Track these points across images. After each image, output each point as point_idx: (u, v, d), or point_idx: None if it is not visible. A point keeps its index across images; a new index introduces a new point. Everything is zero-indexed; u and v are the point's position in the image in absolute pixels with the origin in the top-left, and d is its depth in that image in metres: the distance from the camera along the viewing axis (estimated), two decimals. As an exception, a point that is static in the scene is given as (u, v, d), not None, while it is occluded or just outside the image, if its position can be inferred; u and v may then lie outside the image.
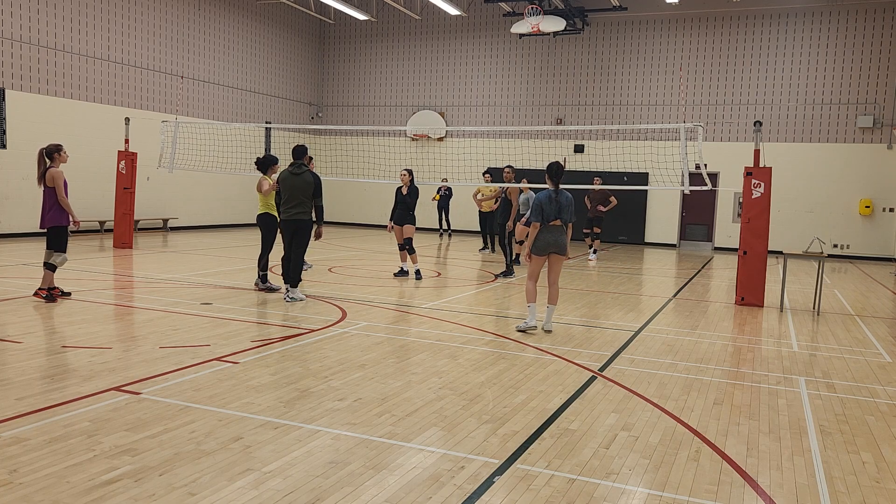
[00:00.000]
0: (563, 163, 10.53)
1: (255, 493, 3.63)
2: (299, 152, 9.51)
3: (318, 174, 9.74)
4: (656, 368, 6.63)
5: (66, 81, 17.44)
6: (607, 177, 20.59)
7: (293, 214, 9.33)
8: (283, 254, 9.67)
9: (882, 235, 20.30)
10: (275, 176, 10.10)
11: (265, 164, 10.33)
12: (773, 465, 4.33)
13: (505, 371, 6.27)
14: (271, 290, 10.03)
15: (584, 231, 16.78)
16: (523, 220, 14.16)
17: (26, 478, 3.70)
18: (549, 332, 8.10)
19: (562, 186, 8.10)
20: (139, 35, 19.35)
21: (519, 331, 8.06)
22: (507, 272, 12.86)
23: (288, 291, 9.40)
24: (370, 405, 5.15)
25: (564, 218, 8.03)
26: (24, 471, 3.78)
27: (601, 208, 16.39)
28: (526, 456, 4.29)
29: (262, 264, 10.20)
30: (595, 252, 16.90)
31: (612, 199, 16.46)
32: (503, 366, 6.46)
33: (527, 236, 8.11)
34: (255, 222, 10.94)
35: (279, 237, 9.94)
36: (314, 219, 9.56)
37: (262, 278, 10.16)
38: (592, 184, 16.26)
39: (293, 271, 9.40)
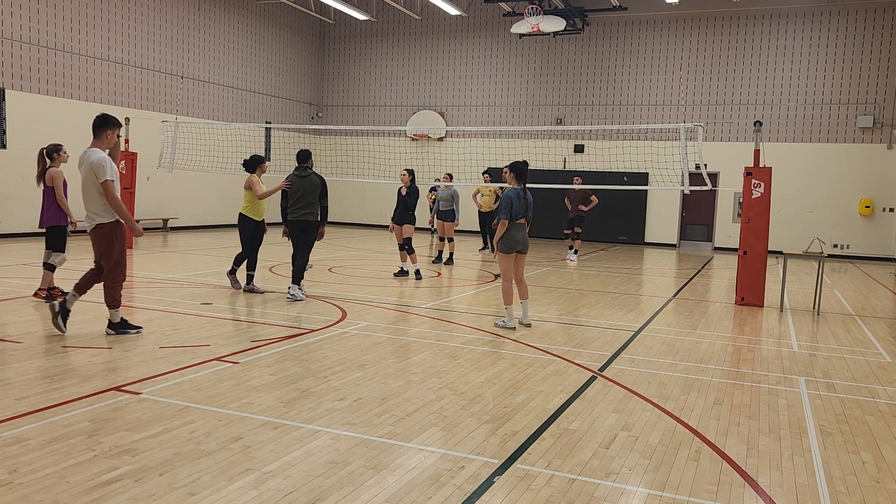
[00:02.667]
0: (563, 163, 10.61)
1: (255, 493, 3.63)
2: (304, 156, 9.70)
3: (322, 176, 9.84)
4: (656, 368, 6.63)
5: (66, 81, 17.44)
6: (607, 177, 20.65)
7: (301, 215, 9.52)
8: (292, 252, 9.75)
9: (882, 235, 20.30)
10: (269, 176, 10.17)
11: (253, 163, 10.13)
12: (773, 465, 4.33)
13: (505, 371, 6.27)
14: (255, 291, 9.92)
15: (566, 232, 16.56)
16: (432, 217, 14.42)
17: (26, 478, 3.70)
18: (528, 325, 8.29)
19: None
20: (139, 35, 19.35)
21: (497, 326, 8.19)
22: None
23: (290, 288, 9.51)
24: (370, 405, 5.15)
25: (528, 216, 8.23)
26: (24, 471, 3.78)
27: (582, 208, 16.20)
28: (526, 456, 4.29)
29: (250, 264, 10.04)
30: (576, 252, 16.68)
31: (594, 197, 16.21)
32: (503, 366, 6.46)
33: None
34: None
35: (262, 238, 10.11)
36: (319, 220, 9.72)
37: (249, 278, 10.05)
38: (573, 183, 16.20)
39: (297, 269, 9.53)
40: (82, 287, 7.01)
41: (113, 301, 6.97)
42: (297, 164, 9.69)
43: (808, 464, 4.37)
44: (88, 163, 6.79)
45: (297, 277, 9.53)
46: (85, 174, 6.82)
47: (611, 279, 13.45)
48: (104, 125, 7.02)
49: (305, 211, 9.50)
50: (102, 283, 6.95)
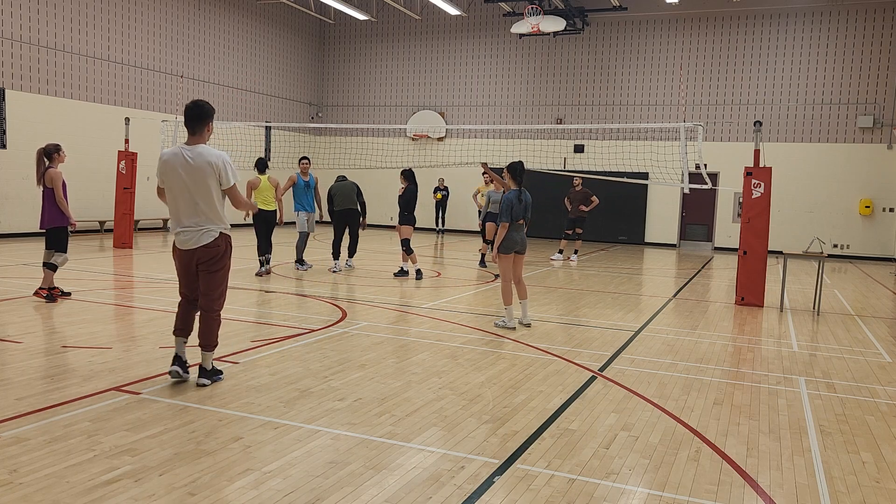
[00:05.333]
0: (563, 163, 10.65)
1: (255, 493, 3.63)
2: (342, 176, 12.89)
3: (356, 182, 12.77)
4: (656, 368, 6.63)
5: (66, 81, 17.44)
6: (607, 177, 20.62)
7: (345, 206, 12.47)
8: (333, 240, 12.54)
9: (882, 235, 20.30)
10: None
11: (265, 164, 12.28)
12: (773, 465, 4.33)
13: (505, 371, 6.27)
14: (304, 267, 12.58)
15: (567, 232, 16.54)
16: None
17: (26, 478, 3.70)
18: (528, 325, 8.30)
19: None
20: (139, 35, 19.35)
21: (497, 326, 8.20)
22: None
23: (347, 262, 12.89)
24: (370, 405, 5.15)
25: (527, 217, 8.25)
26: (24, 471, 3.78)
27: (583, 208, 16.16)
28: (526, 456, 4.29)
29: (299, 254, 12.49)
30: (576, 252, 16.66)
31: (594, 198, 16.20)
32: (503, 366, 6.46)
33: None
34: (253, 221, 11.87)
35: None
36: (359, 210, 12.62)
37: (301, 261, 12.57)
38: (572, 184, 16.18)
39: (353, 246, 12.95)
40: (188, 329, 5.60)
41: (213, 340, 5.52)
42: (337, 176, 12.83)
43: (808, 464, 4.37)
44: (207, 161, 5.36)
45: (353, 253, 12.99)
46: (196, 176, 5.38)
47: (611, 279, 13.45)
48: (208, 116, 5.53)
49: (347, 205, 12.46)
50: (201, 317, 5.51)
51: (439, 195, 23.09)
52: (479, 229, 18.06)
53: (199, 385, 5.39)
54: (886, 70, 20.09)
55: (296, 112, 25.59)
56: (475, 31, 24.46)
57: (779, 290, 11.58)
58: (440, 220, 23.39)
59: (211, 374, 5.53)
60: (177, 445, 4.22)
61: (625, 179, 15.35)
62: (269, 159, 23.74)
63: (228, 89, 22.55)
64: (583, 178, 16.24)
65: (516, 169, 8.26)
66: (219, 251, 5.40)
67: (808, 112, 20.82)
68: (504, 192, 8.26)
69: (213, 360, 5.69)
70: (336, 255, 12.50)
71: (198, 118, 5.49)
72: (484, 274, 13.36)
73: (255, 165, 12.15)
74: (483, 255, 14.69)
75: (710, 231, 22.37)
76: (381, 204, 24.70)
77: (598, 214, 18.51)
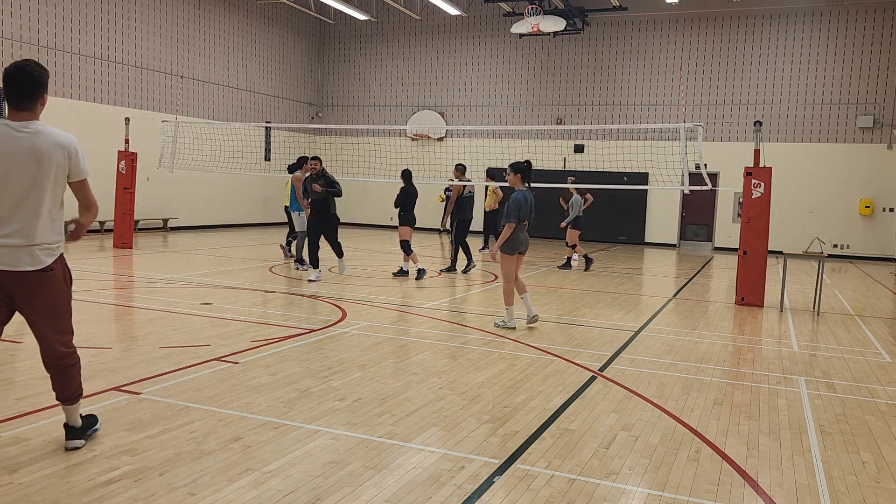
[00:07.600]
0: (563, 163, 10.61)
1: (255, 493, 3.63)
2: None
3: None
4: (656, 368, 6.63)
5: (66, 81, 17.43)
6: (607, 177, 20.64)
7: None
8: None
9: (882, 235, 20.30)
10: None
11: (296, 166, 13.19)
12: (773, 465, 4.33)
13: (505, 371, 6.27)
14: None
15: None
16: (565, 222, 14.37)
17: (26, 478, 3.70)
18: (535, 317, 8.27)
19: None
20: (139, 35, 19.35)
21: (497, 326, 8.18)
22: (451, 268, 13.23)
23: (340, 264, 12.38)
24: (370, 405, 5.15)
25: (531, 218, 8.21)
26: (24, 471, 3.78)
27: None
28: (526, 456, 4.29)
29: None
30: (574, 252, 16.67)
31: (588, 196, 16.20)
32: (503, 366, 6.46)
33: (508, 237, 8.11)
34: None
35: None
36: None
37: (301, 261, 12.65)
38: (567, 183, 16.15)
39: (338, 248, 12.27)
40: (75, 390, 4.10)
41: (77, 387, 4.11)
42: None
43: (808, 464, 4.37)
44: (54, 143, 3.78)
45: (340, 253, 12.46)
46: (27, 166, 3.72)
47: (611, 279, 13.45)
48: (42, 85, 3.82)
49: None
50: (52, 371, 4.04)
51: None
52: (479, 229, 18.06)
53: (70, 449, 4.05)
54: (886, 70, 20.09)
55: (296, 112, 25.59)
56: (475, 31, 24.46)
57: (779, 290, 11.58)
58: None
59: (84, 430, 4.17)
60: (177, 445, 4.22)
61: (625, 186, 15.32)
62: (269, 160, 23.81)
63: (228, 89, 22.55)
64: (577, 180, 16.25)
65: (524, 169, 8.16)
66: (54, 277, 3.90)
67: (808, 112, 20.82)
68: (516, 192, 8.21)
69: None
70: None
71: (29, 88, 3.75)
72: (484, 274, 13.35)
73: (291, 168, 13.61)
74: (568, 259, 14.76)
75: (710, 231, 22.37)
76: (381, 204, 24.72)
77: (598, 215, 18.50)
